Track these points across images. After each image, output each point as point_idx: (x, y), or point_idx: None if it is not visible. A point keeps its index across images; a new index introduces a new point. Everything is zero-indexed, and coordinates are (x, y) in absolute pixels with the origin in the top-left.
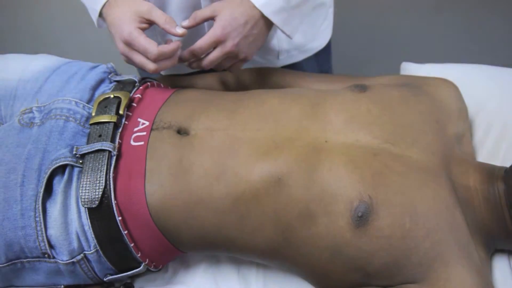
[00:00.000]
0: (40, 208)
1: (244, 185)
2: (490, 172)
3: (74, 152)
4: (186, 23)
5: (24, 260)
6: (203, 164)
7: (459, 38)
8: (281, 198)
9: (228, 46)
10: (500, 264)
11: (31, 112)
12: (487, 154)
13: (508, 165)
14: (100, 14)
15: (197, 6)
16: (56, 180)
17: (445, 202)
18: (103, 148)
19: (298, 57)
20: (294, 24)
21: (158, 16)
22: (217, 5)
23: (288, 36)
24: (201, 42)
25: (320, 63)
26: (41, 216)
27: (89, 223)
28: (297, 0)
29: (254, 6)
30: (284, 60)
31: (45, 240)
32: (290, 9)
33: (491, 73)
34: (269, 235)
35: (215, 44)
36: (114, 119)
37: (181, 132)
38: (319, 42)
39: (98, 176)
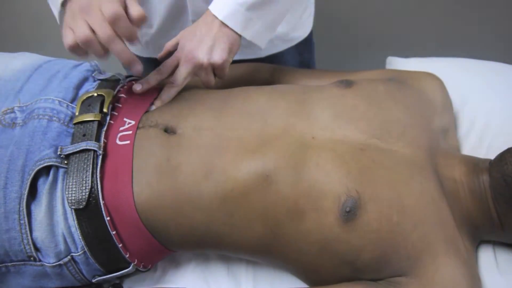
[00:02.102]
0: (25, 210)
1: (233, 183)
2: (475, 165)
3: (58, 153)
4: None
5: (9, 264)
6: (191, 163)
7: (444, 32)
8: (269, 195)
9: (185, 51)
10: (485, 255)
11: (13, 112)
12: (472, 147)
13: (492, 158)
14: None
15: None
16: (41, 181)
17: (431, 195)
18: (88, 147)
19: (282, 47)
20: (256, 29)
21: (134, 4)
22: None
23: (254, 42)
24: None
25: (300, 52)
26: (26, 218)
27: (76, 224)
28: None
29: (209, 11)
30: (268, 50)
31: (31, 243)
32: (245, 11)
33: (475, 66)
34: (259, 232)
35: (172, 49)
36: (98, 118)
37: (168, 131)
38: (301, 32)
39: (84, 176)
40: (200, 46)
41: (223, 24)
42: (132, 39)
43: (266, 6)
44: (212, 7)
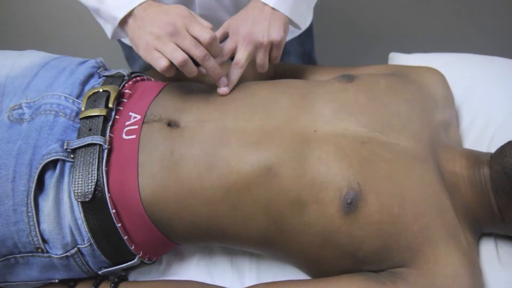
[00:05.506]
0: (32, 203)
1: (235, 175)
2: (476, 158)
3: (65, 147)
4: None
5: (18, 255)
6: (193, 156)
7: (446, 27)
8: (272, 187)
9: (243, 34)
10: (487, 248)
11: (21, 108)
12: (473, 141)
13: (493, 152)
14: (122, 22)
15: None
16: (48, 175)
17: (432, 187)
18: (94, 142)
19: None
20: (301, 12)
21: (202, 20)
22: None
23: (297, 26)
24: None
25: (302, 43)
26: (34, 211)
27: (83, 217)
28: None
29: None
30: None
31: (38, 234)
32: None
33: (477, 61)
34: (261, 224)
35: (227, 35)
36: (103, 113)
37: (172, 124)
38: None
39: (90, 170)
40: (257, 27)
41: (274, 9)
42: (218, 54)
43: None
44: None
